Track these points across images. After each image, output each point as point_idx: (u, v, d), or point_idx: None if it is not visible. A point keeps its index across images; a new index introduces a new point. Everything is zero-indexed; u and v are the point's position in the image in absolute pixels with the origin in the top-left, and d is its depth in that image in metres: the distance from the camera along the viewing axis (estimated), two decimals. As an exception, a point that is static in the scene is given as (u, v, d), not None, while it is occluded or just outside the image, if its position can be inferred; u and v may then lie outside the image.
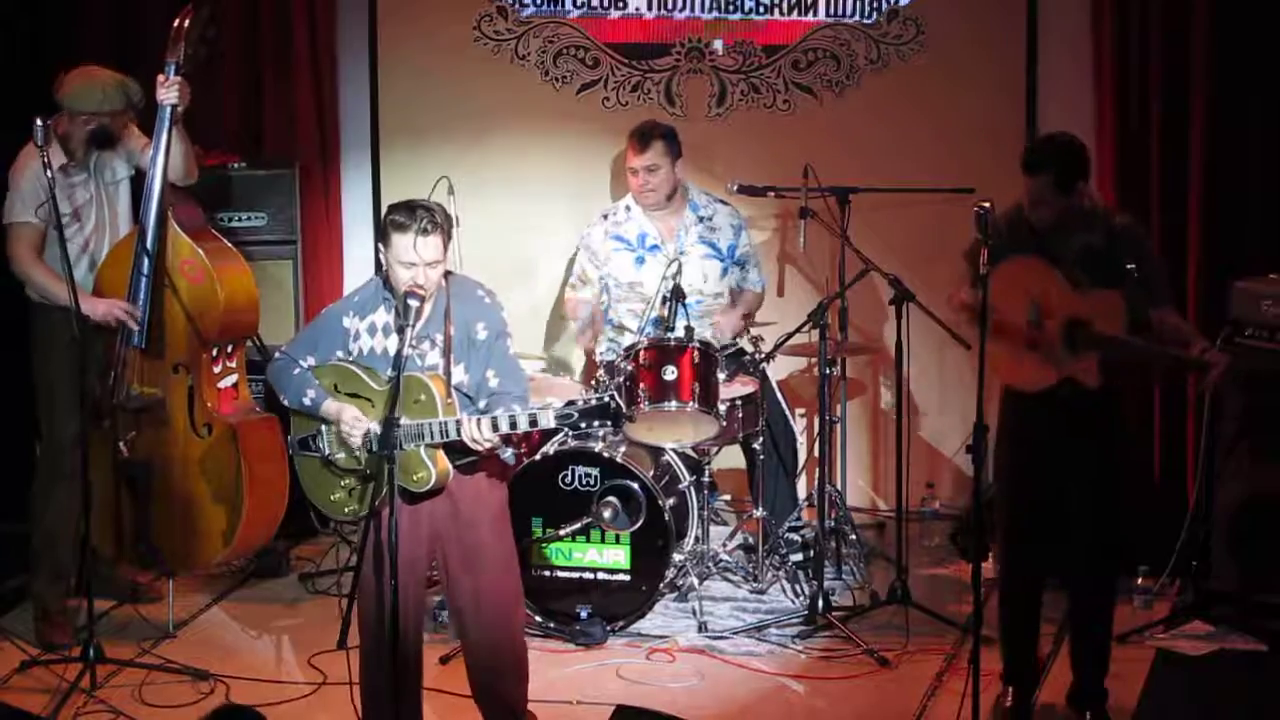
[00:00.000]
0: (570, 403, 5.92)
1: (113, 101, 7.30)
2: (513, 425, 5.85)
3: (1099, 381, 6.39)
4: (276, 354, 6.24)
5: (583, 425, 5.89)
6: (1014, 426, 6.58)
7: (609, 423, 5.89)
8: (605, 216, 8.43)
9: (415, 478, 5.94)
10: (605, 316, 8.36)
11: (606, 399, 5.85)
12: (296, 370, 6.10)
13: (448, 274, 6.04)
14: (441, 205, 6.04)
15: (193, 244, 7.31)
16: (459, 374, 6.01)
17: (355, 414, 5.99)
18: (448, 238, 5.96)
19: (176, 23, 7.32)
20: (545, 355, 8.94)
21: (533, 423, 5.88)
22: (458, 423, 5.86)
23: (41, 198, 7.20)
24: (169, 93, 7.23)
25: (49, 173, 6.90)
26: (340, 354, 6.09)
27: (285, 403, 6.18)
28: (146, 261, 7.23)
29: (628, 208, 8.38)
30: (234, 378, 7.49)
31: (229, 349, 7.46)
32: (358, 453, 6.05)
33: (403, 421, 5.83)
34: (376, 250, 9.14)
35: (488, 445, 5.88)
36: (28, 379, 7.49)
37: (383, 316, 6.05)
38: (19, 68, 8.38)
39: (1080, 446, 6.47)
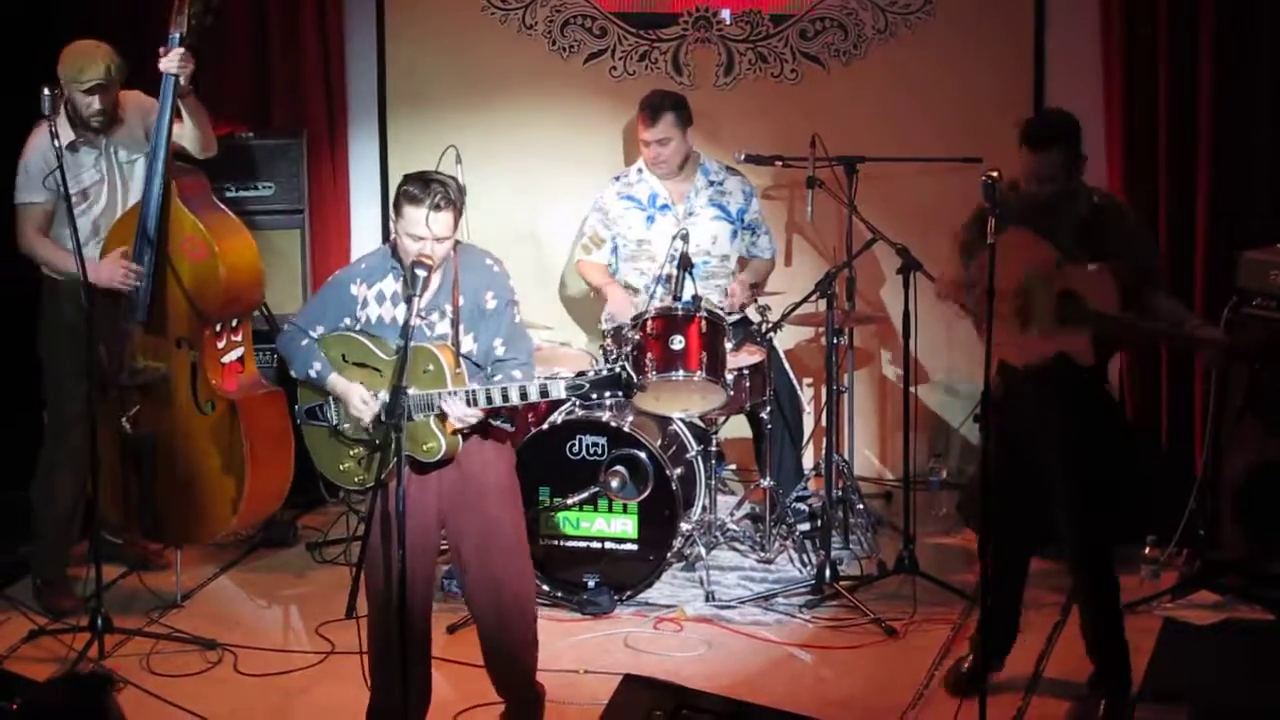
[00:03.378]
0: (581, 373, 5.92)
1: (94, 72, 7.22)
2: (504, 398, 5.88)
3: (1093, 359, 6.38)
4: (286, 324, 6.24)
5: (594, 396, 5.89)
6: (1000, 400, 6.56)
7: (620, 393, 5.90)
8: (617, 179, 8.45)
9: (425, 448, 5.95)
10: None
11: (618, 369, 5.86)
12: (305, 341, 6.10)
13: (456, 244, 6.05)
14: (456, 180, 6.02)
15: (195, 220, 7.27)
16: (468, 343, 6.02)
17: (363, 395, 6.00)
18: (459, 213, 5.96)
19: None
20: (552, 324, 8.94)
21: (543, 393, 5.89)
22: (441, 396, 5.88)
23: (45, 175, 7.21)
24: (169, 62, 7.19)
25: (56, 142, 6.89)
26: (348, 321, 6.09)
27: (293, 374, 6.19)
28: (149, 236, 7.21)
29: (639, 170, 8.39)
30: (239, 352, 7.48)
31: (234, 324, 7.44)
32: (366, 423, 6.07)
33: (411, 392, 5.84)
34: (384, 219, 9.17)
35: (473, 420, 5.92)
36: (35, 350, 7.51)
37: (391, 285, 6.05)
38: (32, 41, 8.36)
39: (1066, 422, 6.44)
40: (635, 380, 5.89)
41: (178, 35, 7.22)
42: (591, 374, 5.88)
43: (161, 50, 7.21)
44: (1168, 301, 6.53)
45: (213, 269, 7.26)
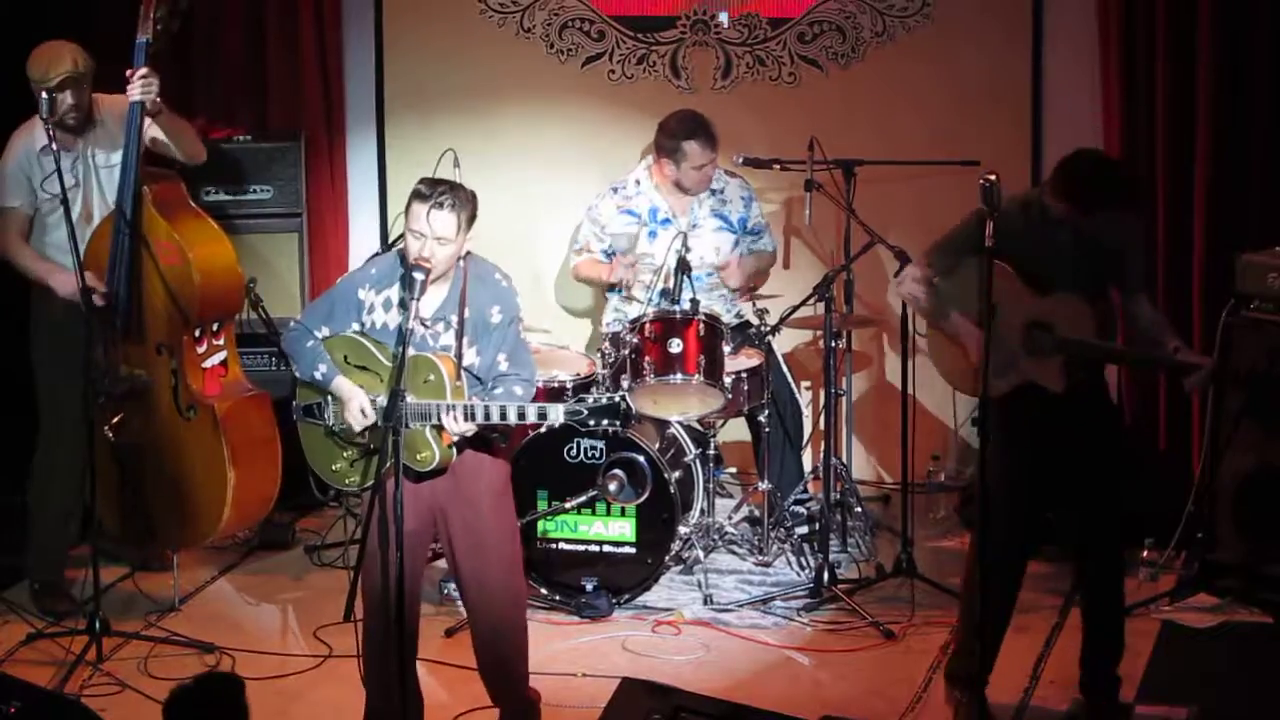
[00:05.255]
0: (580, 399, 5.96)
1: (61, 67, 7.20)
2: (503, 417, 5.89)
3: (1063, 386, 6.33)
4: (292, 323, 6.25)
5: (591, 423, 5.92)
6: (1003, 429, 6.50)
7: (617, 422, 5.92)
8: (615, 190, 8.40)
9: (419, 457, 5.95)
10: (610, 289, 8.37)
11: (617, 399, 5.92)
12: (310, 342, 6.10)
13: (468, 255, 6.07)
14: (473, 192, 6.06)
15: (168, 226, 7.24)
16: (471, 355, 6.03)
17: (364, 405, 6.01)
18: (465, 221, 5.97)
19: None
20: (549, 327, 8.93)
21: (541, 416, 5.93)
22: (440, 409, 5.89)
23: (24, 182, 7.24)
24: (134, 90, 7.15)
25: (53, 144, 6.89)
26: (354, 325, 6.10)
27: (296, 374, 6.19)
28: (125, 245, 7.19)
29: (638, 181, 8.36)
30: (222, 355, 7.45)
31: (214, 328, 7.43)
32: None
33: (410, 400, 5.84)
34: (383, 223, 9.17)
35: (470, 433, 5.94)
36: (27, 354, 7.51)
37: (398, 292, 6.06)
38: (23, 42, 8.35)
39: (1065, 451, 6.40)
40: (634, 412, 5.94)
41: (146, 41, 7.19)
42: (590, 401, 5.93)
43: (129, 74, 7.16)
44: (1148, 309, 6.51)
45: (186, 274, 7.24)
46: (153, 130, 7.37)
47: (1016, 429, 6.28)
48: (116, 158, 7.36)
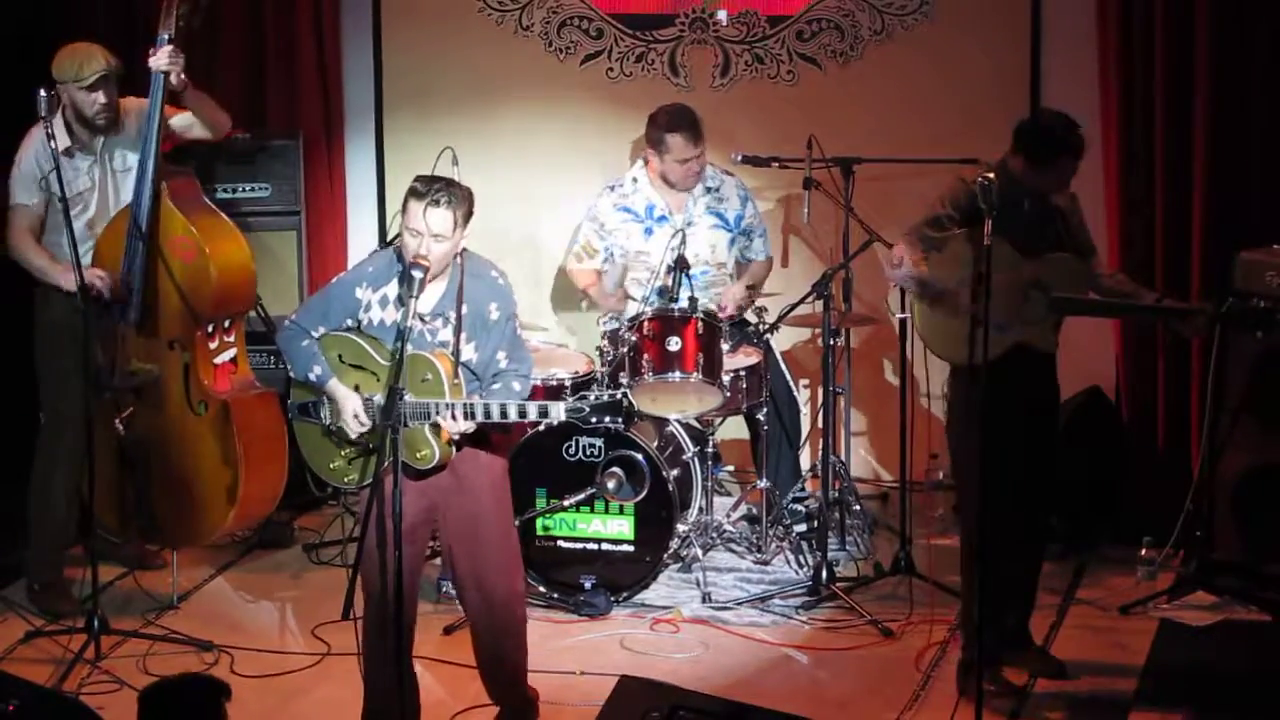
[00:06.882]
0: (581, 396, 5.97)
1: (94, 66, 7.22)
2: (503, 415, 5.90)
3: (1055, 345, 6.52)
4: (287, 322, 6.24)
5: (593, 420, 5.92)
6: (975, 400, 6.53)
7: (620, 419, 5.92)
8: (612, 188, 8.40)
9: (419, 455, 5.94)
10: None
11: (619, 395, 5.93)
12: (305, 342, 6.10)
13: (463, 252, 6.06)
14: (469, 189, 6.06)
15: (186, 221, 7.27)
16: (468, 352, 6.03)
17: (358, 410, 6.01)
18: (462, 218, 5.97)
19: None
20: (548, 325, 8.94)
21: (542, 413, 5.95)
22: (438, 408, 5.89)
23: (39, 177, 7.21)
24: (158, 60, 7.17)
25: (52, 144, 6.89)
26: (350, 323, 6.10)
27: (291, 374, 6.19)
28: (140, 238, 7.20)
29: (635, 179, 8.36)
30: (232, 352, 7.47)
31: (226, 324, 7.43)
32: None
33: (408, 399, 5.84)
34: (381, 220, 9.17)
35: (469, 431, 5.94)
36: (31, 353, 7.50)
37: (395, 289, 6.06)
38: (23, 44, 8.35)
39: (1033, 408, 6.51)
40: (636, 408, 5.94)
41: (166, 36, 7.21)
42: (592, 398, 5.93)
43: (150, 50, 7.20)
44: (1108, 270, 6.77)
45: (204, 269, 7.25)
46: (174, 121, 7.37)
47: (1004, 391, 6.30)
48: (134, 160, 7.36)
